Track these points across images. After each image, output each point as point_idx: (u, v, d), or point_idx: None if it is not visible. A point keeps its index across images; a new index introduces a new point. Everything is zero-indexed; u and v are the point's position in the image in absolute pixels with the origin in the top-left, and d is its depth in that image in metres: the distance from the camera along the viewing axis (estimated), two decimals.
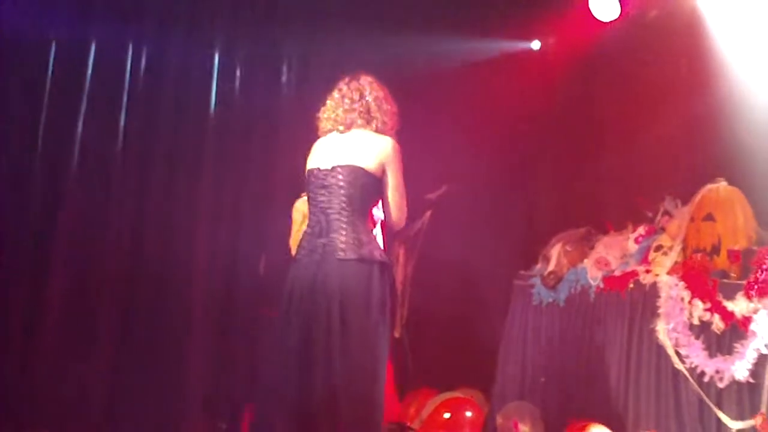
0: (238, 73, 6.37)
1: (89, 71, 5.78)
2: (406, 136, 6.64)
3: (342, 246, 3.85)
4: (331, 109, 4.13)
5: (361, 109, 4.07)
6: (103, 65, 5.85)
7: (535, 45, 7.26)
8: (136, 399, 5.71)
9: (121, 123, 5.91)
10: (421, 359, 6.72)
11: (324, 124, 4.15)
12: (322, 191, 3.96)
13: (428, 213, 6.80)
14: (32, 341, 5.48)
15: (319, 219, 3.94)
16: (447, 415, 5.75)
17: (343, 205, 3.92)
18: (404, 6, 6.84)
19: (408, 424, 6.14)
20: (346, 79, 4.19)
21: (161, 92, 6.07)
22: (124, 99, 5.93)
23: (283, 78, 6.57)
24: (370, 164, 3.95)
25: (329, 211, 3.92)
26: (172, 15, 6.14)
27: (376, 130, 4.07)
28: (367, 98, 4.10)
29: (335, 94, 4.16)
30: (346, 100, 4.10)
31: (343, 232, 3.87)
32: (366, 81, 4.16)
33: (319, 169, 4.00)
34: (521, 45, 7.18)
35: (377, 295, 3.84)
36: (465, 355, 6.86)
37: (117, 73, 5.93)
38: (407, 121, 6.71)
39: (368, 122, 4.06)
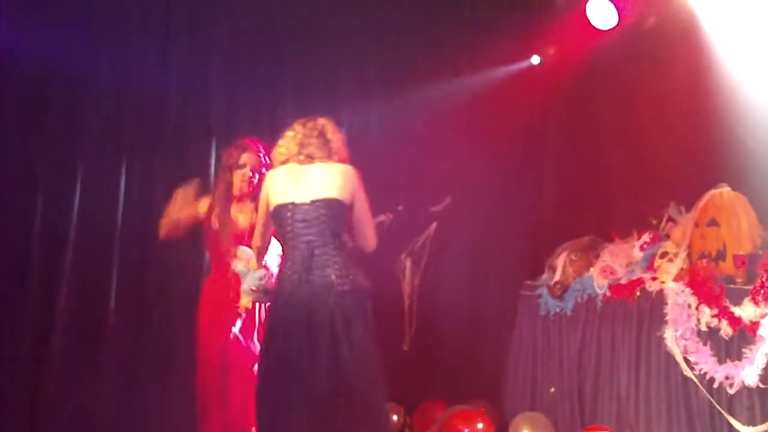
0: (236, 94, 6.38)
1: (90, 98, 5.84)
2: (410, 149, 6.76)
3: (339, 281, 3.93)
4: (285, 145, 4.18)
5: (319, 143, 4.13)
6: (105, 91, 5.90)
7: (535, 60, 7.26)
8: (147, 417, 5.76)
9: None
10: (430, 372, 6.73)
11: (279, 157, 4.19)
12: (303, 224, 3.99)
13: (433, 225, 6.81)
14: (41, 363, 5.54)
15: (303, 253, 3.96)
16: (459, 428, 5.74)
17: (329, 238, 3.99)
18: (404, 48, 6.95)
19: None
20: (302, 120, 4.26)
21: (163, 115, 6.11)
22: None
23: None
24: (344, 195, 4.04)
25: (314, 244, 3.97)
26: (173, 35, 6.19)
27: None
28: (327, 136, 4.17)
29: (288, 132, 4.22)
30: (300, 136, 4.16)
31: (336, 267, 3.96)
32: (323, 120, 4.24)
33: (294, 203, 4.02)
34: (522, 64, 7.20)
35: (368, 319, 4.03)
36: (474, 367, 6.86)
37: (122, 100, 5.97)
38: (411, 135, 6.84)
39: (329, 156, 4.12)
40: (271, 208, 4.07)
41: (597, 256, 6.12)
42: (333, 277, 3.93)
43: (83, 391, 5.59)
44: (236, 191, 4.90)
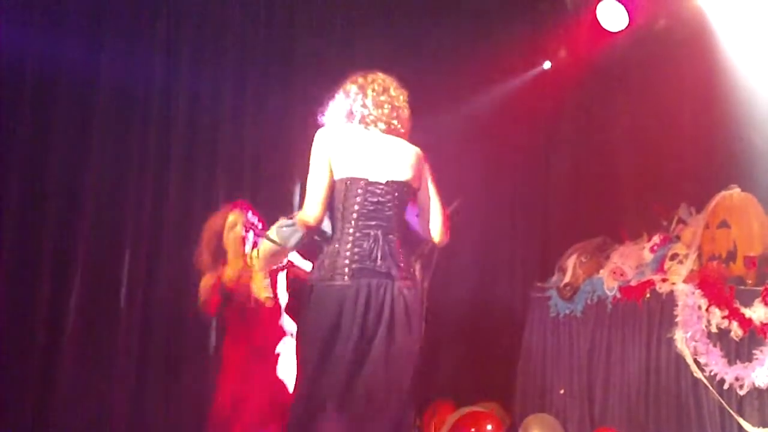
0: (249, 91, 6.39)
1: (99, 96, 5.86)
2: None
3: (403, 274, 3.52)
4: (359, 102, 3.65)
5: (389, 106, 3.65)
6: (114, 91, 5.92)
7: (546, 64, 7.23)
8: (158, 417, 5.77)
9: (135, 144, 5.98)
10: (440, 373, 6.73)
11: (349, 116, 3.65)
12: (374, 207, 3.51)
13: None
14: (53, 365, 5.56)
15: (368, 239, 3.49)
16: (469, 429, 5.74)
17: (396, 225, 3.55)
18: (412, 55, 6.87)
19: None
20: (362, 73, 3.73)
21: (173, 116, 6.13)
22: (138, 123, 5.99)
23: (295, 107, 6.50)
24: (413, 180, 3.62)
25: (381, 231, 3.50)
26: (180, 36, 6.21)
27: (402, 136, 3.69)
28: (391, 93, 3.69)
29: (351, 86, 3.69)
30: (371, 93, 3.66)
31: (401, 258, 3.54)
32: (386, 77, 3.74)
33: (368, 181, 3.53)
34: (533, 68, 7.18)
35: (423, 318, 3.66)
36: (484, 369, 6.86)
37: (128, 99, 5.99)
38: (418, 136, 6.84)
39: (403, 125, 3.68)
40: (337, 177, 3.55)
41: (607, 258, 6.12)
42: (397, 270, 3.49)
43: (92, 395, 5.61)
44: (231, 255, 4.62)
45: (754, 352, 4.81)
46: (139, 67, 5.95)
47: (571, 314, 6.09)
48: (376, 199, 3.52)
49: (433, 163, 6.73)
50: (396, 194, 3.55)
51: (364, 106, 3.64)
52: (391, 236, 3.52)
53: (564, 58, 7.21)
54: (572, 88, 7.14)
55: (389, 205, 3.53)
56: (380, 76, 3.72)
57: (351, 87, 3.69)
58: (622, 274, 5.86)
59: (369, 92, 3.65)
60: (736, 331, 4.92)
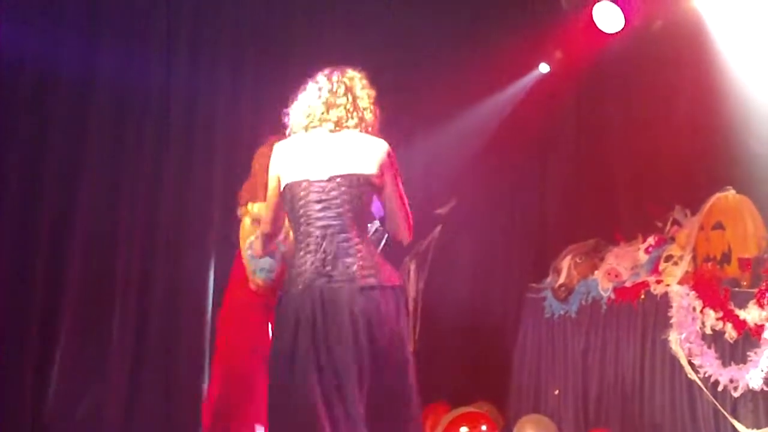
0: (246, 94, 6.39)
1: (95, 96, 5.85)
2: (414, 151, 6.76)
3: (363, 273, 3.31)
4: (307, 102, 3.52)
5: (349, 105, 3.48)
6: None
7: (544, 68, 7.18)
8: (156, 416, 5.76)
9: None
10: (434, 374, 6.72)
11: (299, 121, 3.52)
12: (319, 206, 3.35)
13: (438, 228, 6.81)
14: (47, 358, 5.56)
15: (318, 241, 3.33)
16: (463, 430, 5.74)
17: (350, 223, 3.34)
18: (412, 52, 6.88)
19: None
20: (326, 71, 3.59)
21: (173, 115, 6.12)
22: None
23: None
24: (372, 170, 3.40)
25: (331, 230, 3.33)
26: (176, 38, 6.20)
27: (367, 133, 3.51)
28: (356, 93, 3.53)
29: (311, 86, 3.55)
30: (327, 93, 3.50)
31: (359, 255, 3.33)
32: (354, 74, 3.59)
33: (309, 180, 3.38)
34: (530, 70, 7.16)
35: (405, 325, 3.42)
36: (478, 369, 6.87)
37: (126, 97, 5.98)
38: (415, 137, 6.85)
39: (360, 124, 3.49)
40: (282, 186, 3.46)
41: (602, 259, 6.12)
42: (355, 268, 3.30)
43: (89, 394, 5.61)
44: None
45: (748, 353, 4.81)
46: (137, 66, 5.94)
47: (566, 315, 6.09)
48: (319, 198, 3.36)
49: (431, 165, 6.83)
50: (344, 189, 3.35)
51: (311, 107, 3.50)
52: (343, 235, 3.34)
53: (560, 60, 7.20)
54: (568, 90, 7.14)
55: (337, 201, 3.35)
56: (349, 74, 3.59)
57: (310, 86, 3.57)
58: (616, 276, 5.86)
59: (324, 93, 3.51)
60: (731, 332, 4.92)
